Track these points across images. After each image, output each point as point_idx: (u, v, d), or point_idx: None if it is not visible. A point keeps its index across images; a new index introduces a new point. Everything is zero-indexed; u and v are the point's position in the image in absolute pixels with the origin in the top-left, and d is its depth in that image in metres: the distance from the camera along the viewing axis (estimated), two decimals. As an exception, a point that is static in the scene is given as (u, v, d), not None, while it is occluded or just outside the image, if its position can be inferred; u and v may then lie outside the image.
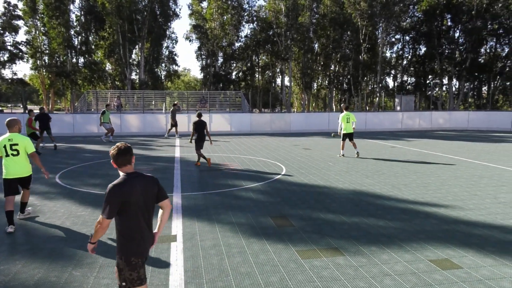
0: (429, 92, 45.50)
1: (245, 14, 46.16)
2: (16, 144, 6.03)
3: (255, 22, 46.34)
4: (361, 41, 43.45)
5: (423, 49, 46.30)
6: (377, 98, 45.77)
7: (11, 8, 47.13)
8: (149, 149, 16.40)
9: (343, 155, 13.99)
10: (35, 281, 4.31)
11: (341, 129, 14.05)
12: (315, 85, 53.99)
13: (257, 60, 50.79)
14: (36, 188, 8.81)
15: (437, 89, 47.87)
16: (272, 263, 4.81)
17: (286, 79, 48.36)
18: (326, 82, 50.85)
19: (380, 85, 45.97)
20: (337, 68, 48.70)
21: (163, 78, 47.97)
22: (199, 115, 11.87)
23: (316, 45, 47.80)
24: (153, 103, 33.28)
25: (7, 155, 6.01)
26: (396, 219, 6.59)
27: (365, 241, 5.56)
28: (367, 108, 49.79)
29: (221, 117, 25.47)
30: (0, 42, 46.99)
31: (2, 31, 47.03)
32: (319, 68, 48.83)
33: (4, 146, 5.98)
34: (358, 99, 46.94)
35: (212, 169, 11.37)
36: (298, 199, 7.88)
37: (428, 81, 47.91)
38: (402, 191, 8.58)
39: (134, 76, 44.37)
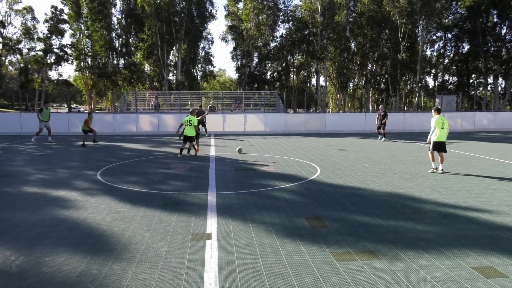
0: (473, 92, 43.54)
1: (281, 14, 46.14)
2: None
3: (291, 22, 46.21)
4: (400, 39, 42.26)
5: (467, 47, 44.45)
6: (416, 98, 44.35)
7: (58, 12, 49.63)
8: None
9: (436, 168, 10.95)
10: (78, 273, 4.50)
11: (430, 136, 10.98)
12: (351, 85, 53.10)
13: (292, 60, 50.59)
14: (79, 185, 9.22)
15: (481, 88, 45.72)
16: (306, 265, 4.77)
17: (322, 79, 47.87)
18: (363, 81, 49.84)
19: (420, 84, 44.51)
20: (374, 68, 47.62)
21: (199, 78, 48.82)
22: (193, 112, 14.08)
23: (353, 44, 46.97)
24: (189, 103, 33.94)
25: None
26: (436, 223, 6.35)
27: (402, 245, 5.40)
28: (405, 109, 48.34)
29: (255, 117, 25.57)
30: (47, 45, 49.58)
31: (49, 35, 49.61)
32: (356, 68, 47.95)
33: None
34: (396, 99, 45.66)
35: (246, 169, 11.44)
36: (333, 201, 7.77)
37: (471, 81, 45.86)
38: (443, 194, 8.26)
39: (171, 76, 45.46)
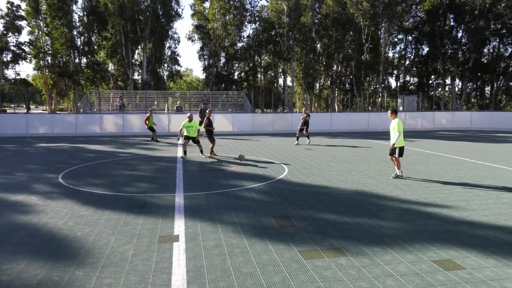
0: (432, 92, 45.41)
1: (247, 14, 46.23)
2: None
3: (257, 22, 46.39)
4: (364, 41, 43.41)
5: (426, 49, 46.24)
6: (380, 98, 45.72)
7: (14, 8, 47.32)
8: (151, 149, 16.42)
9: (402, 174, 10.12)
10: (38, 281, 4.32)
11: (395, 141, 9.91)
12: (317, 85, 53.97)
13: (259, 60, 50.80)
14: (39, 188, 8.84)
15: (439, 89, 47.75)
16: (274, 263, 4.80)
17: (289, 79, 48.38)
18: (329, 82, 50.81)
19: (383, 85, 45.91)
20: (339, 68, 48.67)
21: (165, 78, 48.05)
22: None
23: (319, 45, 47.78)
24: (155, 103, 33.33)
25: None
26: (399, 219, 6.57)
27: (367, 241, 5.55)
28: (370, 108, 49.72)
29: (223, 117, 25.48)
30: (3, 43, 47.15)
31: (5, 32, 47.21)
32: (321, 68, 48.80)
33: None
34: (361, 99, 46.87)
35: (214, 170, 11.38)
36: (300, 200, 7.87)
37: (430, 81, 47.80)
38: (405, 191, 8.56)
39: (136, 76, 44.47)
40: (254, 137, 22.31)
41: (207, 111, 14.96)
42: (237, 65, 49.39)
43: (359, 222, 6.43)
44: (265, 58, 51.34)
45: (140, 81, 43.27)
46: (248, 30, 59.36)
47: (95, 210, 7.08)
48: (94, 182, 9.57)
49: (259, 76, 52.76)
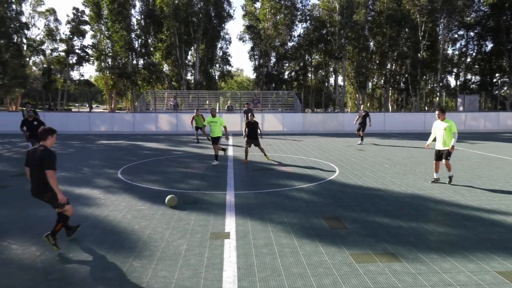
0: (496, 92, 42.41)
1: (298, 13, 45.91)
2: None
3: (308, 21, 45.92)
4: (420, 38, 41.51)
5: (490, 46, 43.26)
6: (437, 98, 43.49)
7: (79, 14, 50.70)
8: (203, 147, 16.84)
9: (437, 179, 9.56)
10: (100, 270, 4.59)
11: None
12: (370, 84, 52.42)
13: (310, 59, 50.31)
14: (100, 183, 9.40)
15: (505, 88, 44.48)
16: (325, 266, 4.74)
17: (340, 78, 47.45)
18: (382, 81, 49.15)
19: (441, 84, 43.63)
20: (393, 67, 46.91)
21: (217, 78, 49.05)
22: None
23: (372, 43, 46.37)
24: (207, 102, 34.13)
25: None
26: (459, 226, 6.21)
27: (424, 247, 5.31)
28: (426, 109, 47.48)
29: (273, 117, 25.54)
30: (69, 46, 50.68)
31: (71, 36, 50.71)
32: (375, 67, 47.31)
33: None
34: (416, 99, 44.89)
35: (264, 169, 11.44)
36: (352, 201, 7.70)
37: (495, 80, 44.66)
38: (465, 196, 8.08)
39: (189, 76, 45.81)
40: (304, 137, 22.15)
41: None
42: (287, 64, 49.27)
43: (414, 226, 6.17)
44: (316, 57, 50.75)
45: (192, 81, 44.54)
46: (299, 29, 59.06)
47: (151, 205, 7.40)
48: (150, 178, 9.99)
49: (310, 75, 52.25)
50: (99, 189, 8.75)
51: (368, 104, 58.92)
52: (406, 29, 42.98)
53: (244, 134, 12.70)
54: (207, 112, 28.22)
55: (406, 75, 44.64)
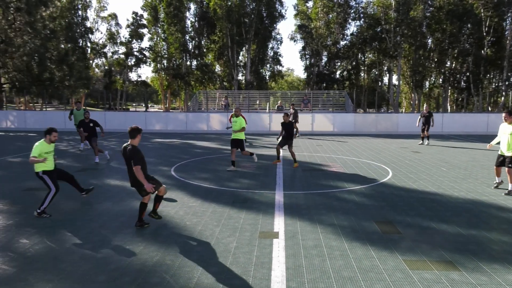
0: None
1: (352, 11, 44.88)
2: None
3: (362, 19, 44.72)
4: (484, 34, 38.91)
5: None
6: (503, 98, 40.52)
7: (138, 18, 53.23)
8: (253, 147, 16.99)
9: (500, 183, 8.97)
10: (154, 262, 4.79)
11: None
12: (427, 83, 49.99)
13: (363, 58, 49.02)
14: (155, 179, 9.80)
15: None
16: (376, 270, 4.59)
17: (394, 77, 45.78)
18: (440, 80, 46.67)
19: (507, 82, 40.58)
20: (453, 65, 44.37)
21: (267, 78, 49.29)
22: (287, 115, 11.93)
23: (430, 41, 44.20)
24: (257, 102, 34.40)
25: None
26: (526, 236, 5.75)
27: (485, 257, 4.97)
28: (490, 109, 44.43)
29: (323, 117, 25.20)
30: (128, 49, 53.38)
31: (130, 39, 53.39)
32: (432, 65, 45.04)
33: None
34: (479, 99, 42.14)
35: (314, 169, 11.32)
36: (406, 205, 7.39)
37: None
38: (534, 204, 7.46)
39: (240, 76, 46.46)
40: (356, 138, 21.61)
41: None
42: (339, 63, 48.37)
43: (475, 234, 5.80)
44: (369, 56, 49.32)
45: (243, 81, 45.11)
46: (352, 27, 57.93)
47: (202, 202, 7.60)
48: (201, 176, 10.26)
49: (362, 74, 50.92)
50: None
51: (424, 104, 56.31)
52: (469, 25, 40.49)
53: (279, 134, 12.10)
54: (257, 112, 28.43)
55: (468, 74, 42.06)
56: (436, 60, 44.19)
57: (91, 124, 12.83)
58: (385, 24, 41.40)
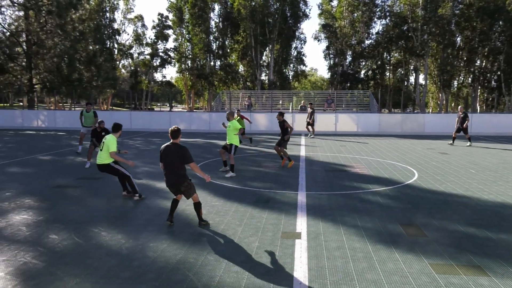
0: None
1: (377, 10, 44.16)
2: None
3: (388, 18, 43.92)
4: (517, 31, 37.50)
5: None
6: (536, 98, 38.97)
7: (163, 19, 54.10)
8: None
9: None
10: (177, 260, 4.86)
11: None
12: (455, 83, 48.60)
13: (388, 57, 48.12)
14: (179, 178, 9.92)
15: None
16: (401, 274, 4.50)
17: (421, 77, 44.75)
18: (469, 79, 45.28)
19: (541, 82, 38.99)
20: (483, 64, 42.97)
21: (290, 78, 49.13)
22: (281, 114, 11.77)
23: (458, 39, 42.96)
24: (280, 102, 34.33)
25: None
26: (560, 241, 5.51)
27: (516, 263, 4.79)
28: (522, 109, 42.74)
29: (347, 117, 24.89)
30: (154, 50, 54.33)
31: (156, 40, 54.33)
32: (461, 64, 43.75)
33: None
34: (510, 98, 40.64)
35: (337, 170, 11.20)
36: (432, 208, 7.21)
37: None
38: None
39: (263, 76, 46.48)
40: (380, 138, 21.25)
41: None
42: (363, 63, 47.69)
43: (505, 239, 5.60)
44: (395, 55, 48.38)
45: (267, 81, 45.11)
46: (377, 26, 56.67)
47: (224, 202, 7.65)
48: (224, 175, 10.31)
49: (388, 74, 50.00)
50: (178, 184, 9.24)
51: (452, 104, 54.78)
52: (500, 22, 39.10)
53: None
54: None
55: (499, 72, 40.63)
56: (465, 58, 42.91)
57: (103, 133, 12.12)
58: (411, 23, 40.51)
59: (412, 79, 49.81)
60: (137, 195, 7.76)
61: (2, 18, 34.63)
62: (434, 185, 9.14)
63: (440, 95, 46.12)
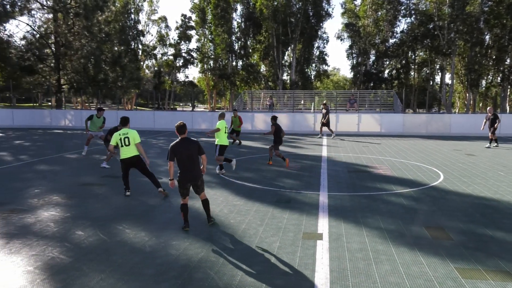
0: None
1: (402, 8, 43.33)
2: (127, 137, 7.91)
3: (413, 16, 43.01)
4: (550, 28, 36.04)
5: None
6: None
7: (186, 20, 54.76)
8: (297, 147, 16.90)
9: None
10: (199, 259, 4.90)
11: None
12: (483, 82, 47.14)
13: (413, 56, 47.15)
14: (201, 177, 10.02)
15: None
16: (425, 277, 4.40)
17: (447, 76, 43.64)
18: (498, 78, 43.82)
19: None
20: (514, 62, 41.46)
21: (312, 78, 48.83)
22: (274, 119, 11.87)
23: (487, 37, 41.63)
24: (302, 102, 34.17)
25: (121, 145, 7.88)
26: None
27: (548, 269, 4.61)
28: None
29: (370, 117, 24.53)
30: (177, 50, 55.04)
31: (179, 41, 55.03)
32: (490, 63, 42.38)
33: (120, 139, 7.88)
34: (542, 99, 39.14)
35: (360, 171, 11.06)
36: (458, 211, 7.02)
37: None
38: None
39: (285, 76, 46.36)
40: (404, 139, 20.85)
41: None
42: (387, 62, 46.89)
43: (536, 244, 5.39)
44: (420, 54, 47.36)
45: (288, 81, 44.98)
46: (402, 24, 55.88)
47: (246, 201, 7.67)
48: (246, 175, 10.35)
49: (412, 73, 49.01)
50: (200, 183, 9.32)
51: (480, 104, 53.19)
52: (532, 19, 37.66)
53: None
54: (301, 112, 28.23)
55: (530, 72, 39.14)
56: (494, 57, 41.55)
57: None
58: (438, 21, 39.55)
59: (438, 78, 48.70)
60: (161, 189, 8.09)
61: (32, 21, 35.75)
62: (461, 187, 8.90)
63: (467, 95, 44.86)
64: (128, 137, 7.87)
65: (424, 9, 42.48)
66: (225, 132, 10.56)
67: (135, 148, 7.95)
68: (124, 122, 8.21)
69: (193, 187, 6.07)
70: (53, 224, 6.23)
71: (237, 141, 17.37)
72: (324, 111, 21.44)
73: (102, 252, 5.10)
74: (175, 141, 6.03)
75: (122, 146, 7.84)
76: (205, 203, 6.18)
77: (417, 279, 4.37)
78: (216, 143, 10.51)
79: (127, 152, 7.89)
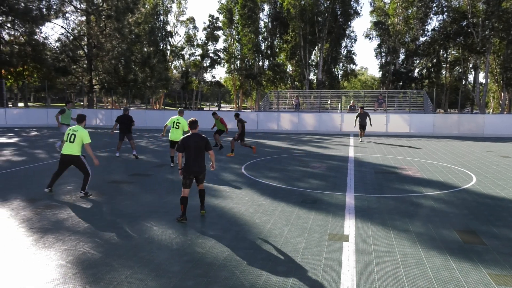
0: None
1: (434, 5, 42.10)
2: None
3: (445, 13, 41.73)
4: None
5: None
6: None
7: (214, 20, 55.30)
8: (323, 147, 16.75)
9: None
10: (224, 257, 4.94)
11: None
12: (520, 81, 45.16)
13: (445, 55, 45.75)
14: (227, 176, 10.10)
15: None
16: (456, 283, 4.27)
17: (481, 75, 42.17)
18: (537, 77, 41.86)
19: None
20: (554, 60, 39.53)
21: (339, 77, 48.24)
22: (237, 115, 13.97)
23: (525, 34, 39.83)
24: (329, 102, 33.83)
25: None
26: None
27: None
28: None
29: (399, 118, 24.00)
30: (204, 51, 55.67)
31: (206, 41, 55.64)
32: (527, 61, 40.56)
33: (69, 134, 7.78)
34: None
35: (388, 172, 10.84)
36: (492, 215, 6.76)
37: None
38: None
39: (312, 76, 46.02)
40: (435, 140, 20.27)
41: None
42: (418, 61, 45.72)
43: None
44: (453, 52, 45.90)
45: (315, 81, 44.62)
46: (434, 22, 54.25)
47: (271, 201, 7.67)
48: (271, 175, 10.35)
49: (444, 72, 47.58)
50: (225, 182, 9.41)
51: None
52: None
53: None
54: (328, 112, 27.94)
55: None
56: (531, 55, 39.74)
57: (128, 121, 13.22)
58: (472, 18, 38.21)
59: (471, 77, 47.07)
60: (84, 192, 7.94)
61: (66, 24, 37.13)
62: (495, 190, 8.57)
63: (502, 94, 43.13)
64: (75, 135, 7.71)
65: (457, 6, 41.15)
66: (174, 127, 11.46)
67: (79, 148, 7.76)
68: (80, 119, 8.04)
69: (195, 178, 6.49)
70: (85, 220, 6.44)
71: (219, 145, 15.58)
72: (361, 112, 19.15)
73: (130, 248, 5.22)
74: (186, 135, 6.44)
75: (66, 141, 7.73)
76: (202, 193, 6.71)
77: (447, 284, 4.24)
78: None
79: (68, 149, 7.73)
